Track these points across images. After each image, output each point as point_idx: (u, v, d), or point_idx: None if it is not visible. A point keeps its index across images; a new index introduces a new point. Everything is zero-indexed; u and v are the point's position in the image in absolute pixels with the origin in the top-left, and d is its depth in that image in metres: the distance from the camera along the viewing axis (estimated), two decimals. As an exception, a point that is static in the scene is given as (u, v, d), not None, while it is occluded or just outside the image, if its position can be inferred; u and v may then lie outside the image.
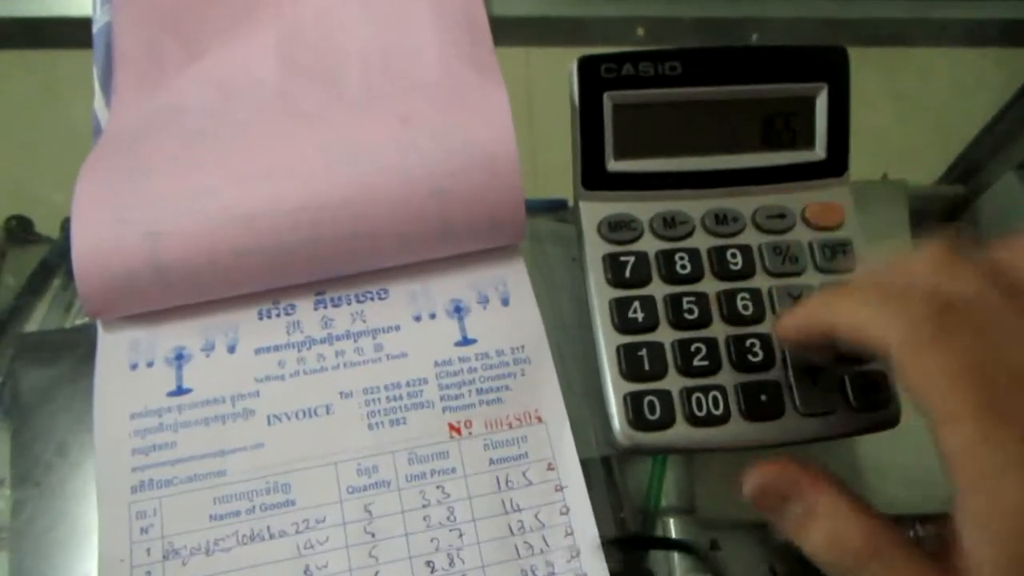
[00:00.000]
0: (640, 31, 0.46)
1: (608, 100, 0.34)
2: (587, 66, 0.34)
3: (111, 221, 0.31)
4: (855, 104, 0.36)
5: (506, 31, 0.40)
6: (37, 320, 0.48)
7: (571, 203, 0.52)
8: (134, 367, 0.32)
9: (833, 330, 0.26)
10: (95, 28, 0.39)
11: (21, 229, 0.52)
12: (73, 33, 0.42)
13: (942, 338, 0.23)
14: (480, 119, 0.33)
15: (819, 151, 0.36)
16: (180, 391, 0.32)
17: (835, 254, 0.35)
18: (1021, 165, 0.52)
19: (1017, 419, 0.21)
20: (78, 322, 0.49)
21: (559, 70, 0.49)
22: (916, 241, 0.53)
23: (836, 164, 0.36)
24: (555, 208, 0.53)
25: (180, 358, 0.32)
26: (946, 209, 0.57)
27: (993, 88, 0.52)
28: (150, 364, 0.32)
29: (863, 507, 0.25)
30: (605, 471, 0.38)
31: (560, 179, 0.46)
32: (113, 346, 0.33)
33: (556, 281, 0.43)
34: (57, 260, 0.51)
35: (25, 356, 0.40)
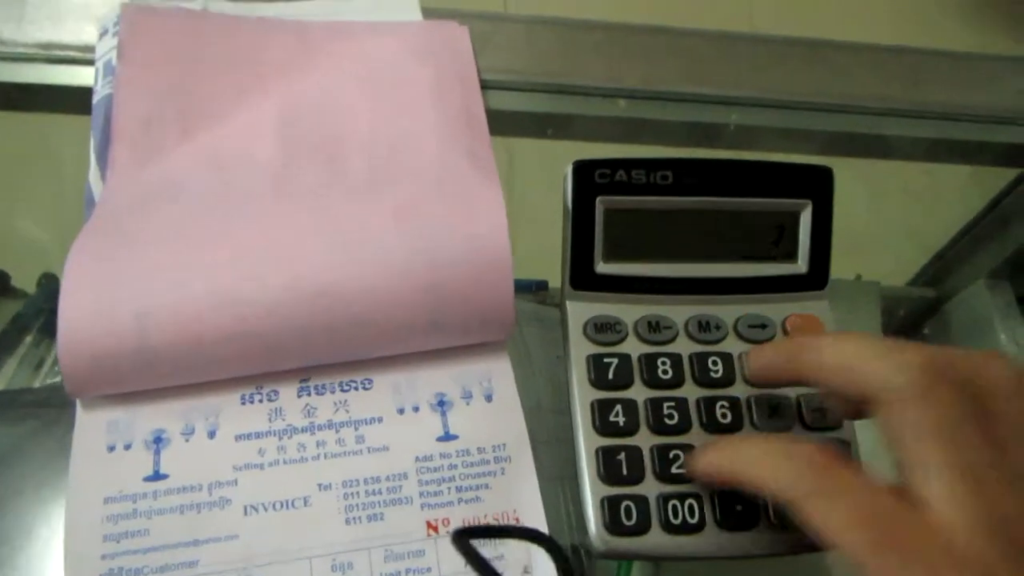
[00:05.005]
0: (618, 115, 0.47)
1: (600, 204, 0.35)
2: (581, 170, 0.35)
3: (100, 300, 0.31)
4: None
5: (492, 123, 0.41)
6: (6, 378, 0.47)
7: (551, 285, 0.53)
8: (111, 449, 0.32)
9: (816, 373, 0.30)
10: (95, 99, 0.39)
11: (-3, 282, 0.52)
12: (63, 99, 0.42)
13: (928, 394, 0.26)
14: (475, 216, 0.34)
15: (801, 265, 0.37)
16: (157, 476, 0.31)
17: (813, 367, 0.36)
18: (991, 274, 0.54)
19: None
20: (48, 381, 0.48)
21: (541, 160, 0.50)
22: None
23: (817, 278, 0.37)
24: (536, 289, 0.53)
25: (159, 441, 0.32)
26: (916, 310, 0.58)
27: (966, 200, 0.54)
28: (128, 446, 0.32)
29: None
30: (575, 561, 0.38)
31: (539, 261, 0.46)
32: (91, 426, 0.32)
33: (534, 363, 0.43)
34: (31, 316, 0.50)
35: (-12, 415, 0.39)
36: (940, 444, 0.26)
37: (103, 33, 0.41)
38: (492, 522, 0.32)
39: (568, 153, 0.37)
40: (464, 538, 0.30)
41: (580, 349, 0.35)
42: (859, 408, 0.30)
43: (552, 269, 0.38)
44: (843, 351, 0.29)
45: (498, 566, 0.31)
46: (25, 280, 0.52)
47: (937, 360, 0.27)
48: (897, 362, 0.27)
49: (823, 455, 0.27)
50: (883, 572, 0.24)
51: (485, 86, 0.43)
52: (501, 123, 0.42)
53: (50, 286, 0.51)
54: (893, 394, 0.27)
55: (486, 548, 0.32)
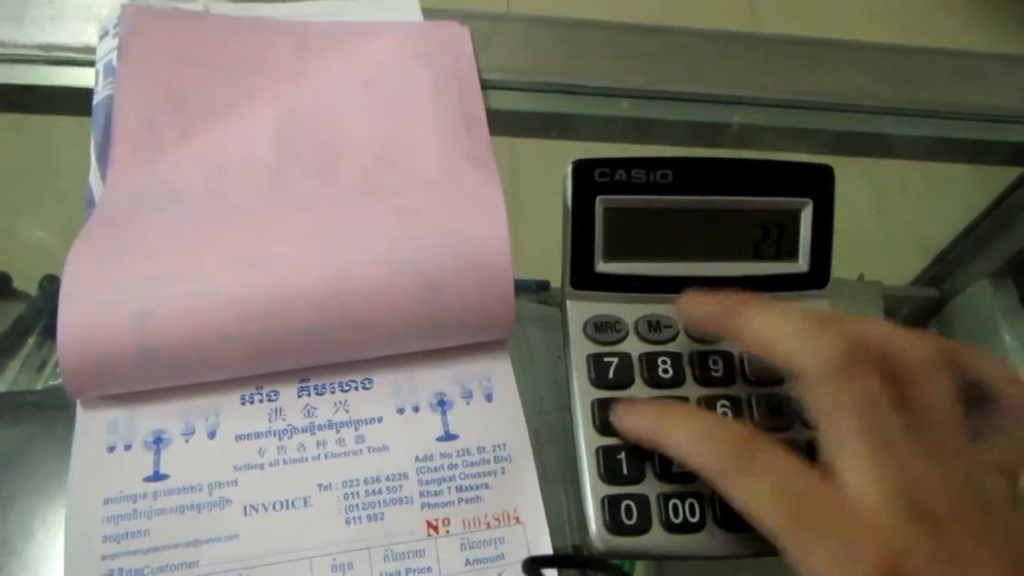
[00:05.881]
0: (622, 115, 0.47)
1: (600, 203, 0.35)
2: (581, 169, 0.35)
3: (100, 300, 0.31)
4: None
5: (494, 123, 0.41)
6: (8, 380, 0.47)
7: (552, 285, 0.53)
8: (111, 449, 0.32)
9: (742, 340, 0.31)
10: (95, 100, 0.39)
11: (-1, 284, 0.52)
12: (63, 100, 0.43)
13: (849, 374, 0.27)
14: (475, 217, 0.34)
15: (802, 264, 0.37)
16: (157, 477, 0.31)
17: (814, 366, 0.35)
18: (994, 273, 0.54)
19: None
20: (51, 383, 0.48)
21: (543, 160, 0.50)
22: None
23: (818, 277, 0.37)
24: (537, 289, 0.53)
25: (159, 442, 0.32)
26: (920, 310, 0.58)
27: (969, 199, 0.54)
28: (128, 447, 0.32)
29: None
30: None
31: (542, 261, 0.46)
32: (91, 426, 0.32)
33: (536, 363, 0.43)
34: (33, 318, 0.50)
35: (-10, 417, 0.39)
36: (856, 423, 0.26)
37: (104, 34, 0.41)
38: (492, 522, 0.32)
39: (570, 153, 0.37)
40: (535, 567, 0.30)
41: (580, 348, 0.35)
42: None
43: (554, 269, 0.38)
44: (766, 325, 0.29)
45: (499, 565, 0.32)
46: (27, 282, 0.52)
47: (858, 340, 0.27)
48: (817, 342, 0.27)
49: (747, 436, 0.28)
50: (799, 546, 0.25)
51: (487, 86, 0.43)
52: (503, 123, 0.42)
53: (52, 288, 0.51)
54: (813, 373, 0.27)
55: (487, 547, 0.32)
